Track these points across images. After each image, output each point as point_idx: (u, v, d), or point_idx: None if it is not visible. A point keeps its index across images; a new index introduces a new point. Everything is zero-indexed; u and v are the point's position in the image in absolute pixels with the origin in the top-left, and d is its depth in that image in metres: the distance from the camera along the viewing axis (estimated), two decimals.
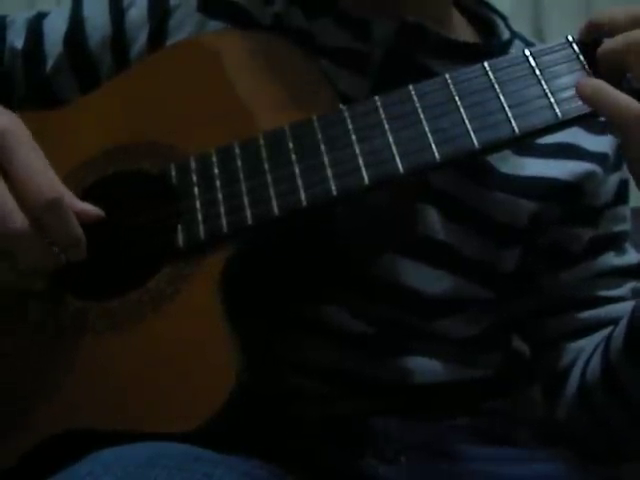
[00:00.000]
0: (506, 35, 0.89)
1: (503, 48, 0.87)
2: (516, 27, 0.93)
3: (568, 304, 0.88)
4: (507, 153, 0.84)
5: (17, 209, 0.67)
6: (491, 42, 0.88)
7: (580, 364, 0.86)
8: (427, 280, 0.82)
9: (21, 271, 0.70)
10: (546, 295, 0.88)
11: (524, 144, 0.84)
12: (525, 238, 0.85)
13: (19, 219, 0.66)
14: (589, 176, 0.86)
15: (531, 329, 0.91)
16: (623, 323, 0.79)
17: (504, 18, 0.91)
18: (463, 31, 0.89)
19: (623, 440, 0.85)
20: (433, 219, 0.82)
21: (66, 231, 0.68)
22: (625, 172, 0.88)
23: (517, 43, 0.89)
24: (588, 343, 0.86)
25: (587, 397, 0.84)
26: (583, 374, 0.84)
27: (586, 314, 0.87)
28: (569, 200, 0.86)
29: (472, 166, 0.82)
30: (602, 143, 0.87)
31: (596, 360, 0.83)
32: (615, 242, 0.89)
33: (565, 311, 0.88)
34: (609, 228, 0.89)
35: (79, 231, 0.69)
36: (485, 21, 0.90)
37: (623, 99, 0.65)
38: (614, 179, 0.89)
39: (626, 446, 0.85)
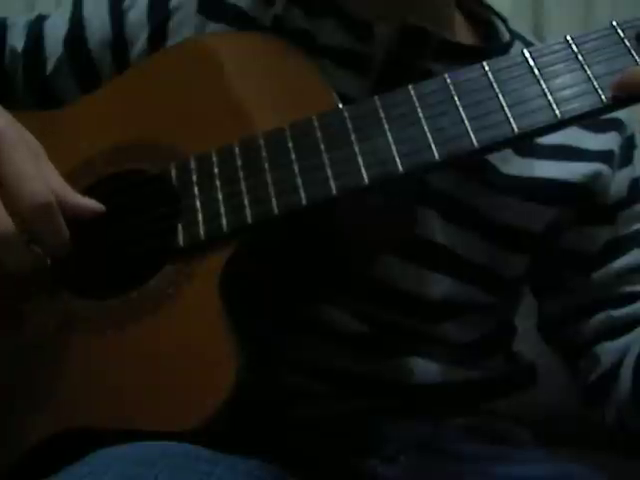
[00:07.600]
0: (506, 37, 0.89)
1: (503, 50, 0.87)
2: (516, 27, 0.92)
3: (600, 304, 0.87)
4: (508, 153, 0.83)
5: (4, 212, 0.66)
6: (491, 44, 0.88)
7: (630, 362, 0.83)
8: (426, 283, 0.82)
9: (8, 271, 0.69)
10: (577, 297, 0.88)
11: (524, 145, 0.84)
12: (538, 243, 0.84)
13: (5, 223, 0.66)
14: (596, 176, 0.85)
15: (565, 334, 0.90)
16: None
17: (504, 20, 0.91)
18: (464, 33, 0.89)
19: None
20: (433, 221, 0.81)
21: (54, 234, 0.68)
22: (635, 169, 0.88)
23: (517, 44, 0.89)
24: (631, 341, 0.84)
25: None
26: (636, 369, 0.82)
27: (620, 312, 0.86)
28: (582, 201, 0.85)
29: (473, 167, 0.82)
30: (606, 141, 0.87)
31: None
32: (637, 239, 0.88)
33: (598, 311, 0.87)
34: (629, 228, 0.88)
35: (66, 234, 0.69)
36: (485, 23, 0.90)
37: None
38: (623, 176, 0.88)
39: None
